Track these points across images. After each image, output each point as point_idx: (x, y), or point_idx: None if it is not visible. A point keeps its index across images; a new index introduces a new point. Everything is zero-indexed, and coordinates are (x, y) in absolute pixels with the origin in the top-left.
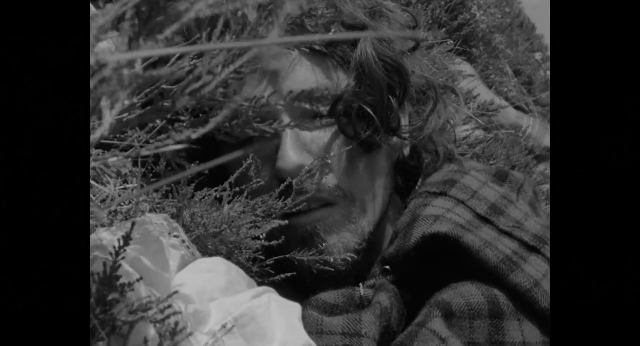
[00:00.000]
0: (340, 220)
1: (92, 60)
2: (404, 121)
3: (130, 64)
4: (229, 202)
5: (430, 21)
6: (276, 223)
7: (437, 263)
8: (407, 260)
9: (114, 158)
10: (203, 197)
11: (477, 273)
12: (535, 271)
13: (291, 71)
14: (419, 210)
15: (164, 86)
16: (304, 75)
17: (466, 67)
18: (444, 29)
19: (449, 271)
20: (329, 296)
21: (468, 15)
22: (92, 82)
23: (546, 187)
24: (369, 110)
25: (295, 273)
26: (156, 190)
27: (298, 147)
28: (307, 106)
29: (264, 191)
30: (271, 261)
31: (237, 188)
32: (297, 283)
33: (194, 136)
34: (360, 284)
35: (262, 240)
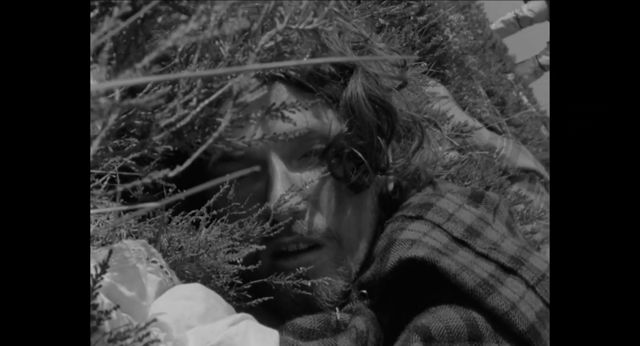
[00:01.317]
0: (329, 263)
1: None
2: (391, 159)
3: (108, 93)
4: (206, 226)
5: (404, 44)
6: (254, 247)
7: (414, 287)
8: (384, 284)
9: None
10: (180, 221)
11: (454, 296)
12: (512, 294)
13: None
14: (395, 234)
15: (136, 121)
16: (294, 115)
17: (440, 89)
18: (417, 51)
19: (427, 295)
20: (304, 321)
21: (441, 37)
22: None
23: (520, 207)
24: (359, 153)
25: (272, 297)
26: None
27: (288, 188)
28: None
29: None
30: (248, 286)
31: (214, 212)
32: (274, 308)
33: (171, 175)
34: (337, 309)
35: (240, 265)
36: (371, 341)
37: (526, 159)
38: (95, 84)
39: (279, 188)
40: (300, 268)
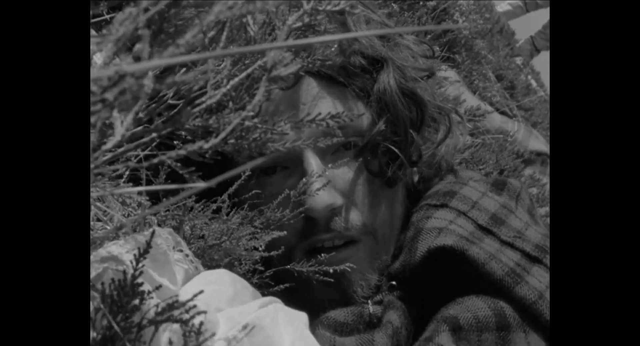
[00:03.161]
0: (364, 258)
1: (112, 71)
2: (423, 151)
3: (148, 73)
4: (227, 214)
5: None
6: (275, 234)
7: (442, 276)
8: (414, 275)
9: (122, 191)
10: (203, 209)
11: (482, 285)
12: (539, 283)
13: (314, 107)
14: (421, 223)
15: (170, 101)
16: (326, 110)
17: (451, 74)
18: (429, 36)
19: (454, 285)
20: (338, 314)
21: (451, 22)
22: (112, 94)
23: (534, 190)
24: (394, 148)
25: (294, 283)
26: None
27: (325, 185)
28: (325, 128)
29: (285, 226)
30: (270, 273)
31: (235, 199)
32: (306, 300)
33: (206, 146)
34: (369, 301)
35: (261, 251)
36: (403, 336)
37: (537, 142)
38: (139, 64)
39: (317, 185)
40: (334, 267)
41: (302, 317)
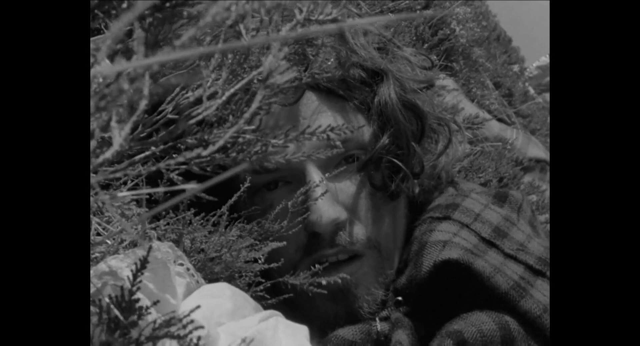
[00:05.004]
0: (369, 272)
1: (109, 69)
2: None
3: (145, 74)
4: (225, 227)
5: (414, 38)
6: (274, 245)
7: (447, 290)
8: (420, 289)
9: (123, 194)
10: (202, 222)
11: (487, 299)
12: (543, 297)
13: (314, 121)
14: (425, 237)
15: (169, 115)
16: (327, 123)
17: (449, 82)
18: (426, 45)
19: (459, 299)
20: (347, 332)
21: (448, 30)
22: (107, 100)
23: (534, 197)
24: (398, 162)
25: (300, 299)
26: (159, 218)
27: (329, 199)
28: (326, 140)
29: (289, 241)
30: (267, 285)
31: (234, 215)
32: (311, 317)
33: (204, 153)
34: (377, 319)
35: (261, 263)
36: None
37: (536, 149)
38: (134, 62)
39: (320, 201)
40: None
41: (303, 330)
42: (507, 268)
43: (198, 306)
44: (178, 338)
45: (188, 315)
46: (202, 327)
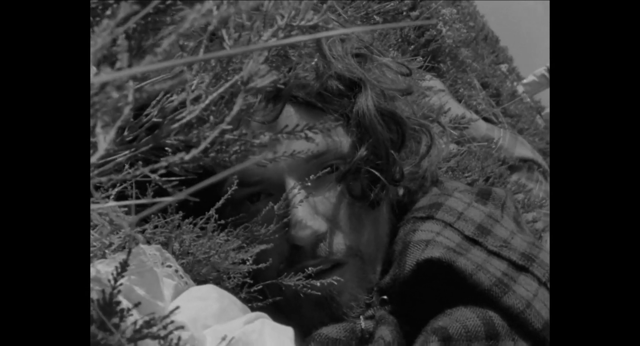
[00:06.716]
0: (351, 279)
1: (93, 80)
2: (404, 169)
3: (129, 81)
4: (213, 231)
5: (399, 39)
6: (262, 247)
7: (431, 288)
8: (404, 288)
9: (112, 204)
10: (190, 225)
11: (470, 296)
12: (526, 292)
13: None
14: (408, 237)
15: (154, 119)
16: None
17: (436, 83)
18: (412, 47)
19: (443, 296)
20: (331, 331)
21: (434, 31)
22: (94, 107)
23: (521, 196)
24: (376, 172)
25: (282, 297)
26: (147, 221)
27: (309, 212)
28: (303, 139)
29: (273, 252)
30: (259, 287)
31: (221, 221)
32: (296, 317)
33: (187, 158)
34: (361, 317)
35: (250, 263)
36: None
37: (524, 149)
38: (118, 72)
39: (300, 214)
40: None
41: (288, 332)
42: (489, 265)
43: (177, 307)
44: (159, 338)
45: (168, 315)
46: (182, 327)
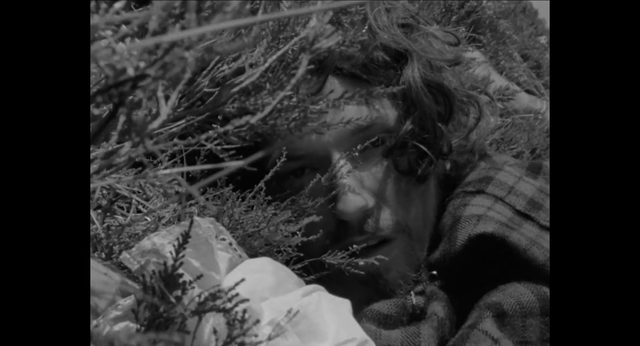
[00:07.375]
0: (400, 255)
1: (162, 40)
2: (452, 142)
3: (196, 43)
4: (261, 204)
5: (443, 10)
6: (312, 219)
7: (483, 264)
8: (455, 263)
9: (166, 172)
10: (240, 198)
11: (524, 271)
12: None
13: (340, 110)
14: (459, 211)
15: (205, 89)
16: (352, 111)
17: (478, 54)
18: (454, 17)
19: (496, 272)
20: (382, 306)
21: (475, 2)
22: (155, 68)
23: None
24: (422, 146)
25: (331, 283)
26: (202, 193)
27: (356, 187)
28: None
29: (319, 227)
30: (305, 263)
31: (268, 197)
32: (329, 284)
33: (252, 121)
34: (412, 292)
35: (300, 235)
36: (448, 326)
37: None
38: (187, 31)
39: (347, 188)
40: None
41: (346, 304)
42: (543, 240)
43: (242, 280)
44: (224, 311)
45: (233, 288)
46: (247, 300)
